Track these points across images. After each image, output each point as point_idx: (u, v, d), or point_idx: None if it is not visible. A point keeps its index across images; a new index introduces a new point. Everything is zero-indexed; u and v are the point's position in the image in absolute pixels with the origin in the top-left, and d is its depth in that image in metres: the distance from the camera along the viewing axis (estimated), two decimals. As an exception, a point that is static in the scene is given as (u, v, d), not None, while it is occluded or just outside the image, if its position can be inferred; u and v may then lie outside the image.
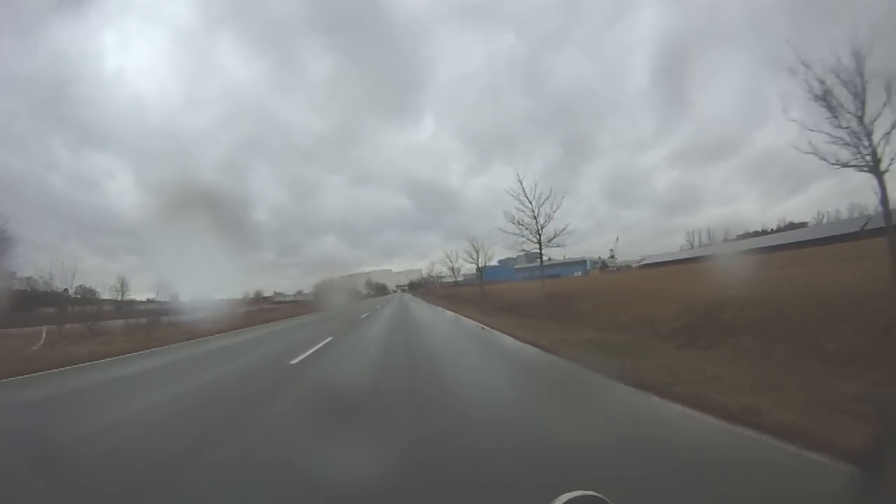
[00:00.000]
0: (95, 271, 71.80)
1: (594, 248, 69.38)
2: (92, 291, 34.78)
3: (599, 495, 1.04)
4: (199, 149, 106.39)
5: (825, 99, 7.32)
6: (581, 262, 66.11)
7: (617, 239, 64.79)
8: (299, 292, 63.97)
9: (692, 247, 59.11)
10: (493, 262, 34.74)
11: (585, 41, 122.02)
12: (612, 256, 64.05)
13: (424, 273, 71.29)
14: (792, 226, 61.02)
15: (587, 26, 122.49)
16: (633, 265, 66.93)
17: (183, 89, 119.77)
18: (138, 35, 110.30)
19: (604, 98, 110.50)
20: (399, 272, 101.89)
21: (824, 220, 57.01)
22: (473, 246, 31.62)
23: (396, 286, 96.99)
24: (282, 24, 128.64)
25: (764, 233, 57.10)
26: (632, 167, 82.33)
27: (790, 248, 39.95)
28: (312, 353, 9.21)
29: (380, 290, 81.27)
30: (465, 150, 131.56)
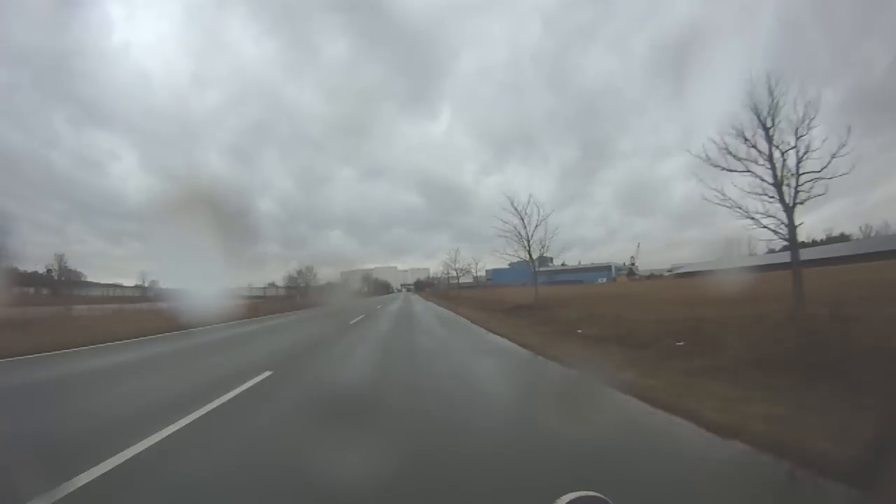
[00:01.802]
0: (97, 255, 71.61)
1: (602, 255, 64.56)
2: (77, 273, 34.53)
3: (601, 496, 1.02)
4: (206, 132, 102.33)
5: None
6: (605, 268, 62.40)
7: (638, 245, 60.63)
8: (271, 285, 51.62)
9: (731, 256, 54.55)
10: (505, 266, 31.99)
11: (615, 38, 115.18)
12: (633, 264, 60.13)
13: (433, 272, 66.79)
14: (843, 237, 55.61)
15: (618, 22, 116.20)
16: (665, 273, 62.79)
17: (191, 68, 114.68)
18: (145, 6, 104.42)
19: (628, 100, 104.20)
20: (405, 270, 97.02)
21: (872, 233, 51.62)
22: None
23: (402, 285, 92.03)
24: (297, 0, 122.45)
25: (813, 244, 52.15)
26: (650, 175, 76.65)
27: (838, 262, 35.69)
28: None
29: (381, 288, 76.38)
30: (480, 148, 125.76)
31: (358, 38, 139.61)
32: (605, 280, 59.88)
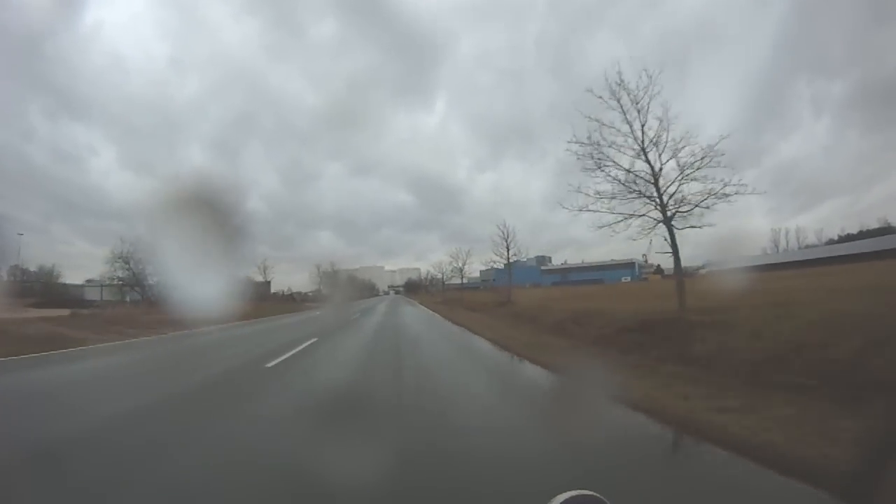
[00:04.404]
0: (84, 256, 68.28)
1: (594, 256, 58.42)
2: (50, 274, 33.16)
3: (597, 495, 1.00)
4: (186, 123, 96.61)
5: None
6: (628, 265, 57.43)
7: (651, 242, 55.35)
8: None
9: (778, 250, 49.55)
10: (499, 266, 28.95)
11: (621, 25, 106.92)
12: (646, 261, 55.15)
13: (424, 272, 61.70)
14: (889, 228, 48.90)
15: (624, 7, 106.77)
16: (701, 272, 57.30)
17: (168, 51, 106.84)
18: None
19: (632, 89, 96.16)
20: (393, 270, 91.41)
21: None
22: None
23: (389, 286, 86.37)
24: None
25: (868, 234, 45.87)
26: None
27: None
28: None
29: (366, 290, 69.11)
30: (476, 141, 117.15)
31: (347, 17, 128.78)
32: (629, 279, 55.13)
